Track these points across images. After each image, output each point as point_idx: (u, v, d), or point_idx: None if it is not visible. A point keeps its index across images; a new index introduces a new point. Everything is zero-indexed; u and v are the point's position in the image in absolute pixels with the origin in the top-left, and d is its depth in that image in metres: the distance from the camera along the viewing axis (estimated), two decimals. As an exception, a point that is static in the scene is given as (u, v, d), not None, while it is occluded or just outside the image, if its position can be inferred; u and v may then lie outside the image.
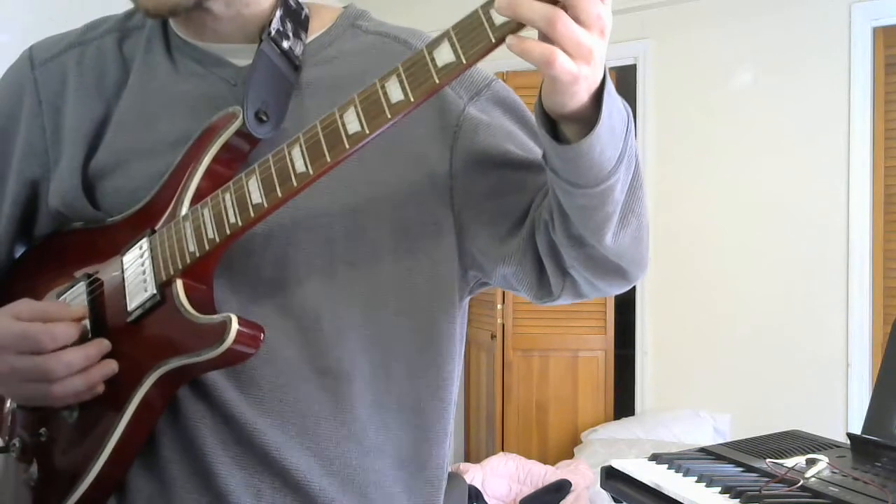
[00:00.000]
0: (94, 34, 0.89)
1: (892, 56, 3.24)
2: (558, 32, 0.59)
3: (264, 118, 0.78)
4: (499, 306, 3.92)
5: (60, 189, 0.84)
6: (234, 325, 0.71)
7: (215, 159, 0.78)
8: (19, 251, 0.92)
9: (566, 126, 0.67)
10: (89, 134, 0.84)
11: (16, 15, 2.61)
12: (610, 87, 0.65)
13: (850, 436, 1.47)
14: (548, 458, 3.67)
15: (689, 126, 3.65)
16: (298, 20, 0.84)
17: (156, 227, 0.79)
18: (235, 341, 0.71)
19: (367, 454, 0.80)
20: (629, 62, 3.80)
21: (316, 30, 0.87)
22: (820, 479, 1.28)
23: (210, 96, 0.82)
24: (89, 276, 0.83)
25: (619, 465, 1.47)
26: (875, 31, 3.25)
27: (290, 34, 0.82)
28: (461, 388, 4.33)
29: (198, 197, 0.77)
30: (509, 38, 0.60)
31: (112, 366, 0.77)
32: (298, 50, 0.83)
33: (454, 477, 2.96)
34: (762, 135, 3.46)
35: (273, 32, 0.80)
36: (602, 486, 1.50)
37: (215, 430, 0.77)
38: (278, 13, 0.82)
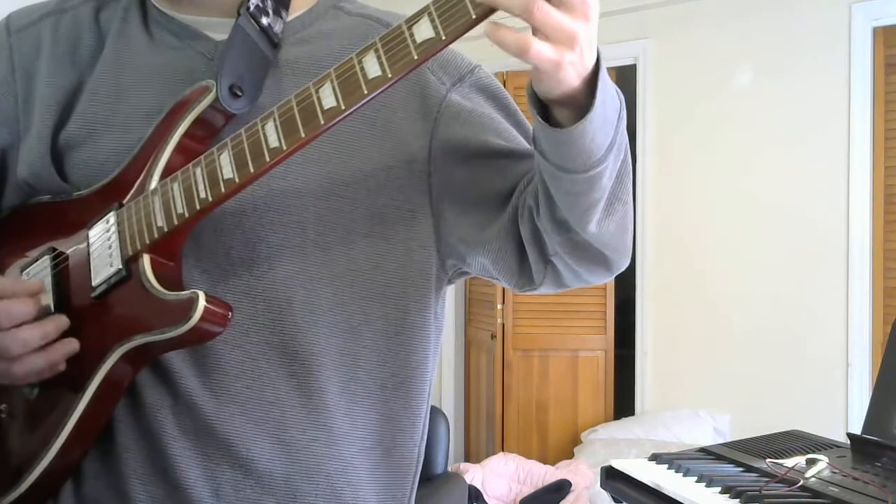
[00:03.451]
0: (71, 3, 0.88)
1: (892, 56, 3.24)
2: (535, 19, 0.58)
3: (239, 93, 0.76)
4: (499, 306, 3.91)
5: (29, 158, 0.82)
6: (202, 302, 0.69)
7: (187, 133, 0.76)
8: None
9: (557, 109, 0.66)
10: (61, 103, 0.82)
11: (6, 12, 2.61)
12: (604, 73, 0.64)
13: (850, 436, 1.47)
14: (548, 458, 3.67)
15: (689, 126, 3.65)
16: None
17: (124, 201, 0.77)
18: (202, 319, 0.69)
19: (334, 442, 0.79)
20: (629, 62, 3.79)
21: (297, 9, 0.85)
22: (820, 479, 1.28)
23: (185, 70, 0.80)
24: (54, 249, 0.81)
25: (619, 465, 1.47)
26: (875, 31, 3.25)
27: (270, 11, 0.81)
28: (461, 388, 4.34)
29: (168, 171, 0.75)
30: (487, 26, 0.59)
31: (74, 345, 0.76)
32: (278, 28, 0.81)
33: (454, 477, 2.96)
34: (762, 135, 3.46)
35: (251, 7, 0.79)
36: (602, 486, 1.50)
37: (175, 419, 0.75)
38: None
